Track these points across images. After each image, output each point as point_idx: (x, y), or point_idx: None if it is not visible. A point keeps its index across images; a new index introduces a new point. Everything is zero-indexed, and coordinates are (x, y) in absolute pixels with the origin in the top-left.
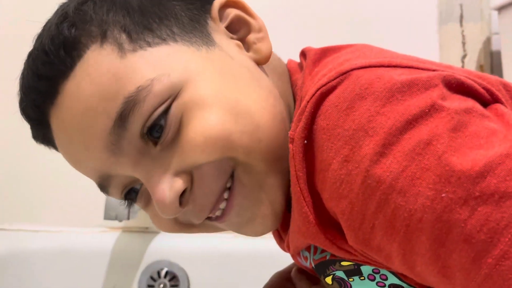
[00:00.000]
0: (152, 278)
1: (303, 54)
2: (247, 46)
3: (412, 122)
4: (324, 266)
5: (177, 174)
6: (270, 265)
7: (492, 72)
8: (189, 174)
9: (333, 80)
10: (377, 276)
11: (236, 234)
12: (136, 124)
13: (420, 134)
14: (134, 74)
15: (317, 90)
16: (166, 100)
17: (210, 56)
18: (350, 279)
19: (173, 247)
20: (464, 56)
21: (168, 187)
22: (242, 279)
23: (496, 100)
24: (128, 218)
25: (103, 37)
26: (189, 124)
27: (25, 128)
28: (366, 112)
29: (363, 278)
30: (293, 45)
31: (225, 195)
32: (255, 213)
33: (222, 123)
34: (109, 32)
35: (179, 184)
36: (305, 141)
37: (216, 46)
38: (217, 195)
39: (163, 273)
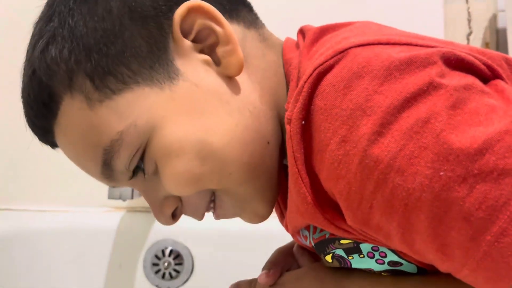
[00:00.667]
0: (156, 256)
1: (301, 32)
2: (216, 58)
3: (410, 100)
4: (324, 245)
5: (166, 197)
6: (273, 243)
7: (497, 49)
8: (177, 196)
9: (330, 59)
10: (376, 254)
11: None
12: (120, 167)
13: (418, 112)
14: (106, 127)
15: (314, 70)
16: (138, 148)
17: (173, 95)
18: (350, 257)
19: (177, 226)
20: (469, 34)
21: (159, 210)
22: (245, 257)
23: (496, 76)
24: (132, 198)
25: (71, 87)
26: (162, 171)
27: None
28: (363, 91)
29: (362, 256)
30: (293, 22)
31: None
32: (242, 214)
33: (189, 170)
34: (75, 80)
35: (168, 207)
36: (303, 122)
37: (180, 77)
38: (204, 208)
39: (167, 251)
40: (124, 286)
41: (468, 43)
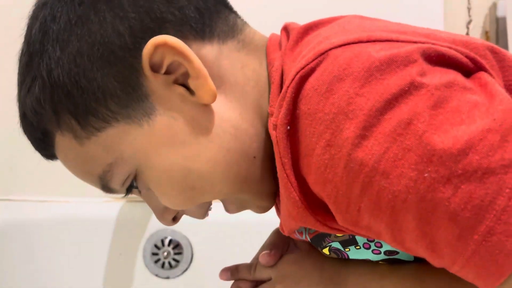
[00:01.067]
0: (156, 246)
1: (285, 29)
2: (190, 87)
3: (392, 102)
4: (320, 239)
5: (166, 207)
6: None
7: (497, 38)
8: None
9: (311, 61)
10: (372, 244)
11: None
12: (117, 187)
13: (400, 114)
14: (96, 159)
15: (297, 74)
16: (129, 175)
17: (152, 130)
18: (346, 249)
19: None
20: (469, 22)
21: (161, 215)
22: (244, 246)
23: (480, 67)
24: None
25: (59, 125)
26: (157, 195)
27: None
28: (345, 94)
29: (358, 247)
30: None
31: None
32: (246, 209)
33: (181, 195)
34: (61, 119)
35: (169, 214)
36: (288, 127)
37: (156, 113)
38: (204, 213)
39: (166, 241)
40: (124, 275)
41: (467, 31)
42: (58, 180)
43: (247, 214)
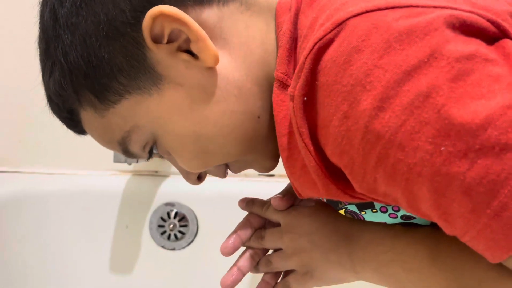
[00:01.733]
0: (162, 218)
1: None
2: (193, 52)
3: (410, 73)
4: (336, 200)
5: None
6: None
7: None
8: None
9: (329, 32)
10: (390, 208)
11: (242, 177)
12: (137, 151)
13: (419, 86)
14: (116, 127)
15: (315, 45)
16: (147, 142)
17: (161, 98)
18: (363, 212)
19: (182, 189)
20: None
21: (186, 176)
22: None
23: (504, 33)
24: (137, 161)
25: (81, 103)
26: (176, 159)
27: (39, 72)
28: (363, 66)
29: (375, 210)
30: None
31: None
32: (252, 168)
33: (195, 158)
34: (82, 97)
35: (192, 175)
36: (305, 98)
37: (164, 82)
38: (222, 172)
39: (172, 214)
40: (131, 247)
41: None
42: (66, 153)
43: (251, 189)
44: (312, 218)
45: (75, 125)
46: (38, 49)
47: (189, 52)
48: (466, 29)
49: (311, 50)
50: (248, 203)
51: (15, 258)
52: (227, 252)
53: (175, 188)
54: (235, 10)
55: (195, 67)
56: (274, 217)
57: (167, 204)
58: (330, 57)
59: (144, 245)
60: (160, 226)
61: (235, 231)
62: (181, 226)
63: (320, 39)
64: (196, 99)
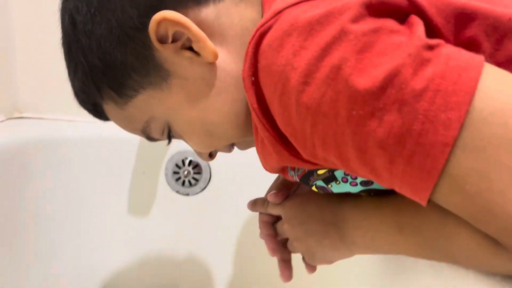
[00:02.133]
0: (177, 165)
1: None
2: (195, 50)
3: (326, 49)
4: (306, 178)
5: None
6: None
7: None
8: None
9: (269, 20)
10: (349, 178)
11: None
12: (159, 138)
13: (332, 60)
14: (136, 118)
15: (257, 31)
16: (164, 129)
17: (171, 92)
18: (329, 185)
19: None
20: None
21: (199, 155)
22: (260, 168)
23: (418, 8)
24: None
25: (103, 98)
26: (187, 142)
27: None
28: (291, 48)
29: (338, 182)
30: None
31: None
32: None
33: (203, 142)
34: (103, 93)
35: (204, 154)
36: (253, 78)
37: (171, 77)
38: (229, 150)
39: (187, 161)
40: (147, 191)
41: None
42: None
43: None
44: (302, 209)
45: (100, 115)
46: (63, 50)
47: (192, 49)
48: (384, 8)
49: (253, 36)
50: (252, 204)
51: (37, 200)
52: (273, 255)
53: None
54: (230, 4)
55: (198, 62)
56: (274, 211)
57: (182, 152)
58: (267, 42)
59: (160, 190)
60: (175, 172)
61: (261, 233)
62: (195, 173)
63: (261, 26)
64: (200, 91)
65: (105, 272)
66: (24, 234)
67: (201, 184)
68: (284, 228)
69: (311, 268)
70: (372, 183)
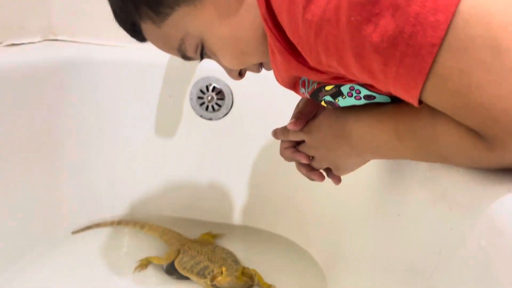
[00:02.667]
0: (201, 91)
1: None
2: None
3: None
4: (316, 95)
5: None
6: None
7: None
8: None
9: None
10: (353, 92)
11: None
12: (192, 56)
13: None
14: (172, 36)
15: None
16: (197, 45)
17: (203, 8)
18: (336, 100)
19: (220, 66)
20: None
21: (229, 74)
22: (279, 97)
23: None
24: None
25: (141, 16)
26: (220, 59)
27: None
28: None
29: (344, 97)
30: None
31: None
32: None
33: (235, 58)
34: (141, 11)
35: (234, 72)
36: None
37: None
38: (257, 69)
39: (211, 87)
40: (173, 114)
41: None
42: (117, 28)
43: None
44: (318, 130)
45: (138, 35)
46: None
47: None
48: None
49: None
50: (275, 135)
51: (73, 118)
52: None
53: (213, 64)
54: None
55: None
56: (295, 138)
57: (206, 78)
58: None
59: (185, 113)
60: (200, 97)
61: (286, 158)
62: (218, 99)
63: None
64: (231, 7)
65: (133, 187)
66: (61, 148)
67: (223, 110)
68: (308, 150)
69: (337, 179)
70: (374, 97)
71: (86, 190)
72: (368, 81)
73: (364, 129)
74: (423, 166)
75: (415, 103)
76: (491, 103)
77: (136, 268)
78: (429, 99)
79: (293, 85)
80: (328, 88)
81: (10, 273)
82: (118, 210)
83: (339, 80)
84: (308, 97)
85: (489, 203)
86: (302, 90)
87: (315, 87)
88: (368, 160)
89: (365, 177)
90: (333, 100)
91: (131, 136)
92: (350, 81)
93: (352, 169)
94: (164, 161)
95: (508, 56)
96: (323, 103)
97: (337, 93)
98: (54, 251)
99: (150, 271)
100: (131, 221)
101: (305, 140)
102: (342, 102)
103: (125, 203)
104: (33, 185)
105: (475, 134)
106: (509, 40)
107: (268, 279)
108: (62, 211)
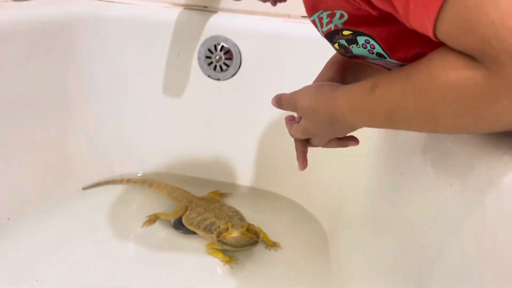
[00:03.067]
0: (209, 50)
1: None
2: None
3: None
4: (332, 36)
5: None
6: (310, 48)
7: None
8: None
9: None
10: (368, 46)
11: (285, 18)
12: None
13: None
14: None
15: None
16: None
17: None
18: (351, 46)
19: (229, 25)
20: None
21: None
22: (288, 58)
23: None
24: None
25: None
26: None
27: None
28: None
29: (358, 46)
30: None
31: None
32: None
33: None
34: None
35: None
36: None
37: None
38: None
39: (219, 47)
40: (181, 73)
41: None
42: None
43: (293, 29)
44: (310, 112)
45: None
46: None
47: None
48: None
49: None
50: (275, 102)
51: (84, 72)
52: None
53: (222, 23)
54: None
55: None
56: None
57: (214, 37)
58: None
59: (193, 73)
60: (208, 57)
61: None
62: (226, 59)
63: None
64: None
65: (142, 145)
66: (72, 104)
67: (231, 70)
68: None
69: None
70: (385, 58)
71: (96, 147)
72: (389, 8)
73: (347, 103)
74: None
75: (431, 31)
76: (502, 21)
77: (144, 223)
78: (443, 19)
79: (312, 10)
80: (345, 33)
81: (21, 224)
82: (127, 167)
83: (358, 26)
84: (323, 36)
85: (488, 161)
86: (319, 27)
87: (332, 28)
88: (357, 128)
89: (368, 141)
90: (347, 46)
91: (140, 94)
92: (369, 29)
93: (343, 134)
94: (173, 120)
95: None
96: (336, 45)
97: (352, 41)
98: (64, 205)
99: (158, 226)
100: (140, 180)
101: (299, 113)
102: (355, 49)
103: (134, 161)
104: (43, 139)
105: (473, 62)
106: None
107: (272, 237)
108: (72, 167)
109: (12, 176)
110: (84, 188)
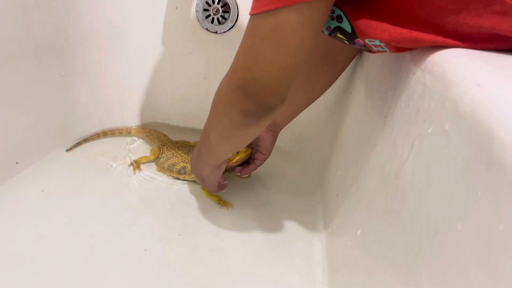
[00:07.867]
0: (207, 3)
1: None
2: None
3: None
4: None
5: None
6: None
7: None
8: None
9: None
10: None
11: None
12: None
13: None
14: None
15: None
16: None
17: None
18: None
19: None
20: None
21: None
22: None
23: None
24: None
25: None
26: None
27: None
28: None
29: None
30: None
31: None
32: None
33: None
34: None
35: None
36: None
37: None
38: None
39: (216, 0)
40: (179, 27)
41: None
42: None
43: None
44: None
45: None
46: None
47: None
48: None
49: None
50: None
51: (83, 24)
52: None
53: None
54: None
55: None
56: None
57: None
58: None
59: (191, 26)
60: (205, 10)
61: None
62: (223, 12)
63: None
64: None
65: (141, 96)
66: (72, 54)
67: (229, 23)
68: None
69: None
70: (342, 20)
71: (97, 98)
72: None
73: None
74: (407, 66)
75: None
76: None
77: (134, 170)
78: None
79: None
80: None
81: (25, 173)
82: (128, 118)
83: None
84: None
85: (458, 93)
86: None
87: None
88: (220, 168)
89: (355, 92)
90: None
91: (139, 46)
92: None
93: (208, 175)
94: (171, 72)
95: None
96: None
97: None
98: (62, 156)
99: (151, 169)
100: (116, 130)
101: None
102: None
103: (134, 112)
104: (44, 89)
105: (242, 89)
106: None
107: (265, 186)
108: (75, 116)
109: (15, 123)
110: (68, 150)
